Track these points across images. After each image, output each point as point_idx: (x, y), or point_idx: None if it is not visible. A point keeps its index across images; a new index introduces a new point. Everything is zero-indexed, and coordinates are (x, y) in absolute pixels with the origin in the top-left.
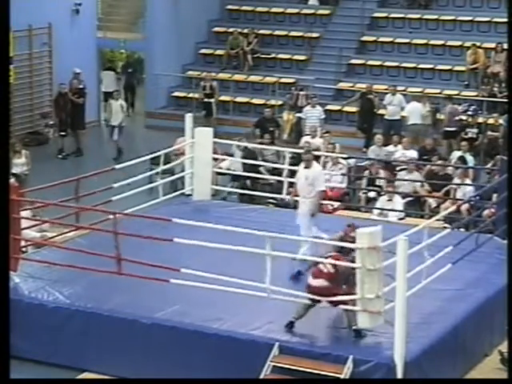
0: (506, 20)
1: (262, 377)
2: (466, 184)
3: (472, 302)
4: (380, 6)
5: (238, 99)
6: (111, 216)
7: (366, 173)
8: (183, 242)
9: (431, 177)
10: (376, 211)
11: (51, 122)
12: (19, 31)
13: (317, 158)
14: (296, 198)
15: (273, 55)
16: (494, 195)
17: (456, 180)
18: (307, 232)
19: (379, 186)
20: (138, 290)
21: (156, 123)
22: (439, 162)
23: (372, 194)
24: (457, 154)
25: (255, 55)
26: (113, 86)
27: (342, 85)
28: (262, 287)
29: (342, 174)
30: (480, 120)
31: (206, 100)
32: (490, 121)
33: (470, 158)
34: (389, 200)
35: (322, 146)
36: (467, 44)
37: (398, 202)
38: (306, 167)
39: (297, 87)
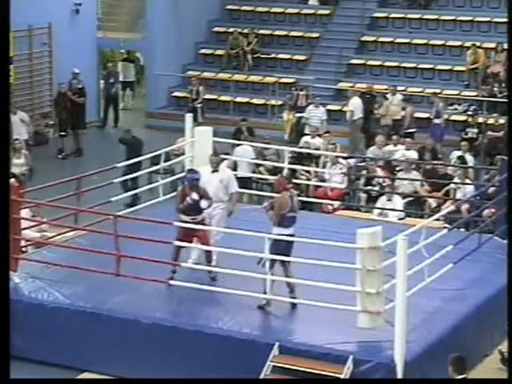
0: (506, 20)
1: (261, 377)
2: (466, 183)
3: (472, 302)
4: (380, 6)
5: (238, 99)
6: (111, 217)
7: (364, 173)
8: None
9: (431, 175)
10: (376, 211)
11: (51, 122)
12: (19, 31)
13: (316, 157)
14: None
15: (273, 55)
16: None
17: (456, 180)
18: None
19: (380, 185)
20: (138, 289)
21: (156, 123)
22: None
23: (363, 196)
24: (457, 153)
25: (255, 55)
26: (131, 76)
27: (341, 85)
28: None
29: (343, 173)
30: (480, 120)
31: (190, 104)
32: (490, 121)
33: (470, 158)
34: (388, 200)
35: (321, 145)
36: (467, 44)
37: (398, 202)
38: (215, 171)
39: (297, 87)
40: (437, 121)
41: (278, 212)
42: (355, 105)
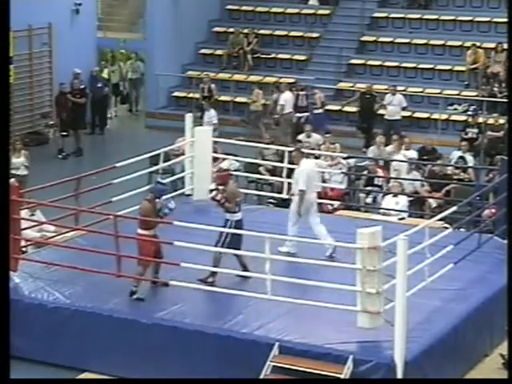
0: (506, 20)
1: (261, 377)
2: (468, 184)
3: (472, 302)
4: (380, 6)
5: (238, 99)
6: (111, 217)
7: (365, 173)
8: (183, 245)
9: (431, 175)
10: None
11: (51, 122)
12: (19, 31)
13: (317, 157)
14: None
15: (273, 55)
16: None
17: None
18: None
19: (379, 186)
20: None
21: (156, 123)
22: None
23: (369, 200)
24: (457, 153)
25: (255, 55)
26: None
27: (341, 85)
28: (262, 287)
29: (343, 173)
30: (480, 120)
31: (203, 102)
32: (490, 121)
33: (469, 158)
34: (394, 196)
35: (320, 143)
36: (467, 44)
37: (404, 201)
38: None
39: (297, 87)
40: (316, 111)
41: (234, 201)
42: (286, 99)
